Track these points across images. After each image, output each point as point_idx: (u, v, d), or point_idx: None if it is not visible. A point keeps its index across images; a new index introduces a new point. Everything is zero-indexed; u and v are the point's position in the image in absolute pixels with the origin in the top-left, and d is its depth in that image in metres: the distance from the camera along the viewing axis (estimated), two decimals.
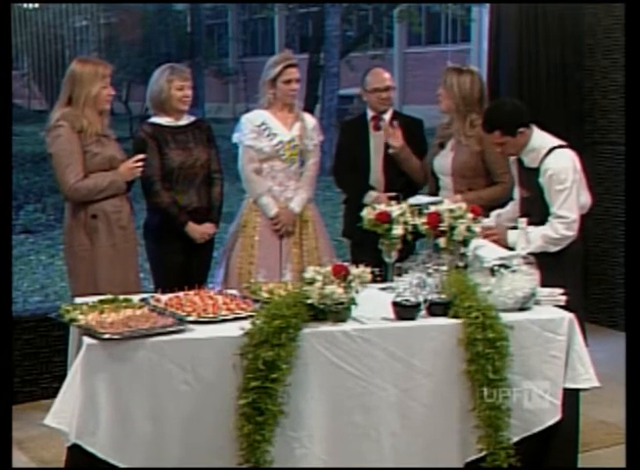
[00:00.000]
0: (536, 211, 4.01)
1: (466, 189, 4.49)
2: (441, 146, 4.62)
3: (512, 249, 3.79)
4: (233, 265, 4.57)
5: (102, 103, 4.17)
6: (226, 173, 4.67)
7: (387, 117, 4.87)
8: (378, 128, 4.87)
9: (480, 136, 4.37)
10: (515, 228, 3.94)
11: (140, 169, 4.23)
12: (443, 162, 4.57)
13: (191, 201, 4.47)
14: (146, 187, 4.42)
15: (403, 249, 3.88)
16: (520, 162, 4.15)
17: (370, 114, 4.90)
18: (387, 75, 4.89)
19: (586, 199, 4.16)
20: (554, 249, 3.93)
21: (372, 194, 4.77)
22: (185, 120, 4.54)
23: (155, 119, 4.51)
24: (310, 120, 4.69)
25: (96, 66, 4.18)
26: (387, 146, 4.79)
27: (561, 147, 4.06)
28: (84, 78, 4.10)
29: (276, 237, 4.56)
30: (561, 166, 3.98)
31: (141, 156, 4.25)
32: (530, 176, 4.07)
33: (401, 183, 4.69)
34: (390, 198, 4.46)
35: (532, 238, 3.89)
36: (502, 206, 4.30)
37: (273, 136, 4.52)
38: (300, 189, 4.60)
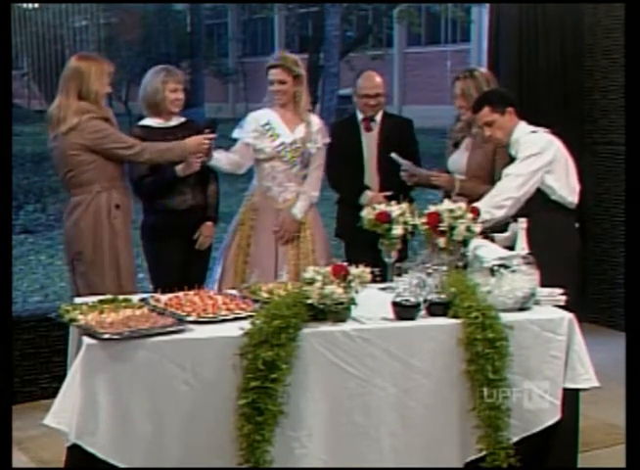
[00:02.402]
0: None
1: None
2: (456, 145, 4.65)
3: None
4: (229, 263, 4.58)
5: (101, 100, 4.21)
6: (226, 174, 4.67)
7: (378, 118, 4.88)
8: (369, 129, 4.88)
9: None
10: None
11: (207, 146, 4.32)
12: (459, 161, 4.58)
13: (185, 200, 4.48)
14: (140, 186, 4.43)
15: (402, 249, 3.89)
16: (510, 157, 4.20)
17: (360, 116, 4.91)
18: (378, 81, 4.86)
19: (571, 189, 4.15)
20: (498, 212, 3.96)
21: (368, 194, 4.78)
22: (175, 121, 4.55)
23: (145, 122, 4.53)
24: (315, 123, 4.67)
25: (101, 63, 4.20)
26: (379, 146, 4.80)
27: (540, 132, 4.12)
28: (92, 75, 4.13)
29: (272, 238, 4.56)
30: (526, 142, 4.08)
31: (212, 135, 4.34)
32: None
33: (397, 182, 4.66)
34: (387, 197, 4.47)
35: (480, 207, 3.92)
36: None
37: (276, 137, 4.53)
38: (303, 195, 4.58)
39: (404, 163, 4.61)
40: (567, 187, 4.14)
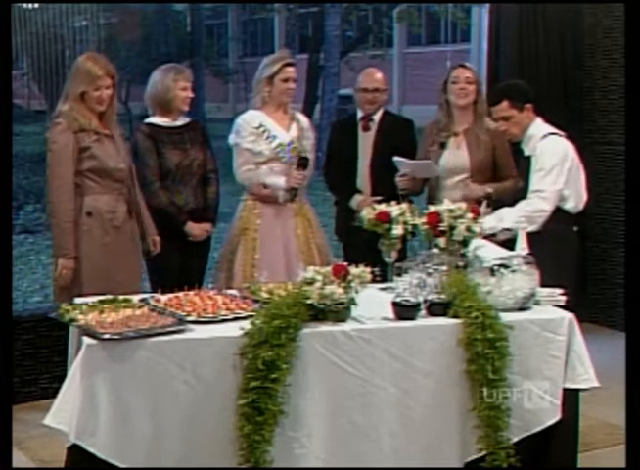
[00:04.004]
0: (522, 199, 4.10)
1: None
2: (442, 146, 4.63)
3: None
4: (236, 269, 4.52)
5: (91, 102, 4.08)
6: (227, 174, 4.66)
7: (376, 117, 4.86)
8: (367, 129, 4.85)
9: (493, 132, 4.42)
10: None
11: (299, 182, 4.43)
12: (456, 160, 4.58)
13: (187, 201, 4.47)
14: (143, 187, 4.40)
15: (401, 249, 3.89)
16: (520, 153, 4.22)
17: (360, 114, 4.89)
18: (378, 76, 4.85)
19: (579, 197, 4.17)
20: (530, 226, 3.95)
21: (357, 197, 4.75)
22: (181, 121, 4.53)
23: (151, 120, 4.51)
24: (304, 120, 4.67)
25: (87, 65, 4.10)
26: (374, 148, 4.78)
27: (556, 135, 4.12)
28: (75, 76, 4.08)
29: (278, 239, 4.52)
30: (547, 150, 4.08)
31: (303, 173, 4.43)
32: (525, 166, 4.15)
33: (389, 186, 4.61)
34: (376, 201, 4.46)
35: (504, 216, 3.96)
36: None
37: (272, 139, 4.50)
38: None
39: (411, 163, 4.56)
40: (576, 195, 4.14)
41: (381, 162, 4.70)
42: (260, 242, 4.51)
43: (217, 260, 4.68)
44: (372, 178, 4.78)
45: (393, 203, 3.90)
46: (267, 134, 4.50)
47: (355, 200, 4.75)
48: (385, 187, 4.62)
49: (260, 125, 4.50)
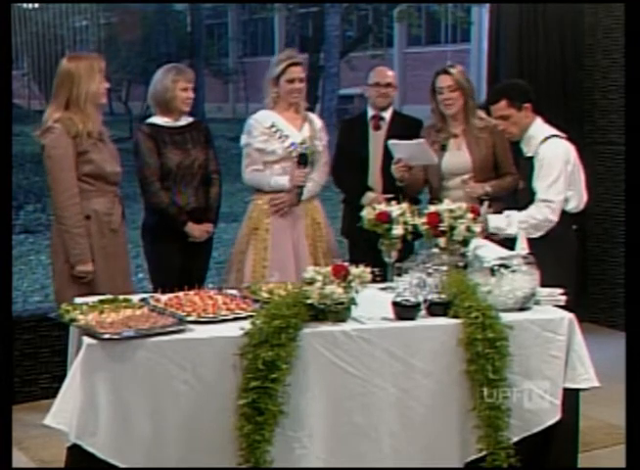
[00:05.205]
0: (528, 203, 4.08)
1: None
2: (443, 148, 4.62)
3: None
4: (247, 270, 4.49)
5: (101, 97, 4.11)
6: (226, 173, 4.66)
7: (387, 116, 4.86)
8: (377, 128, 4.85)
9: (491, 128, 4.42)
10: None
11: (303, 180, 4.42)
12: (458, 161, 4.58)
13: (189, 201, 4.46)
14: (144, 187, 4.40)
15: (402, 249, 3.89)
16: (520, 153, 4.21)
17: (370, 112, 4.89)
18: (390, 73, 4.88)
19: (580, 198, 4.17)
20: (535, 233, 3.95)
21: (369, 195, 4.75)
22: (183, 121, 4.52)
23: (153, 120, 4.50)
24: (318, 121, 4.66)
25: (90, 60, 4.10)
26: (385, 147, 4.78)
27: (558, 137, 4.11)
28: (82, 75, 4.02)
29: (289, 239, 4.51)
30: (551, 154, 4.07)
31: (305, 170, 4.40)
32: (526, 167, 4.14)
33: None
34: (388, 199, 4.46)
35: (513, 221, 3.95)
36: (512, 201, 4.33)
37: (285, 138, 4.49)
38: (311, 181, 4.54)
39: (405, 143, 4.51)
40: (577, 196, 4.14)
41: (392, 160, 4.70)
42: (271, 242, 4.50)
43: (228, 259, 4.66)
44: (383, 177, 4.78)
45: (394, 203, 3.90)
46: (280, 134, 4.48)
47: (367, 197, 4.73)
48: (396, 186, 4.62)
49: (272, 125, 4.49)
